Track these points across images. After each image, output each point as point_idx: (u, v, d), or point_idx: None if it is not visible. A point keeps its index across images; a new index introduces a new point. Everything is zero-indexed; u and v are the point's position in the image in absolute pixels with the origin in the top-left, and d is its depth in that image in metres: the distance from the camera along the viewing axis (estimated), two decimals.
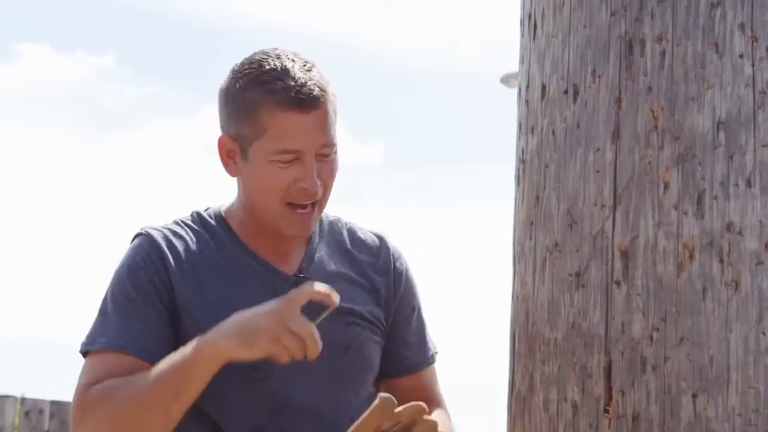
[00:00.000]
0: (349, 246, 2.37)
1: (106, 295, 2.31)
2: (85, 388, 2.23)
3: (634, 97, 2.05)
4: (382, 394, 2.01)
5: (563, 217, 2.11)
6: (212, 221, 2.34)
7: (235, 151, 2.26)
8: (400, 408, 2.00)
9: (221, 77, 2.30)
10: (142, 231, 2.33)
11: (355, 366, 2.33)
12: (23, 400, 9.28)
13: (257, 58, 2.25)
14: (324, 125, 2.21)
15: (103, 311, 2.29)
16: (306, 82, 2.19)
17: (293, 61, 2.22)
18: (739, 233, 1.95)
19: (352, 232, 2.39)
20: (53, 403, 9.73)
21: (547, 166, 2.16)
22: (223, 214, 2.35)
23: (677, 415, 1.94)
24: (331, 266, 2.33)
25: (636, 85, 2.05)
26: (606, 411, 2.00)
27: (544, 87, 2.19)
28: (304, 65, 2.23)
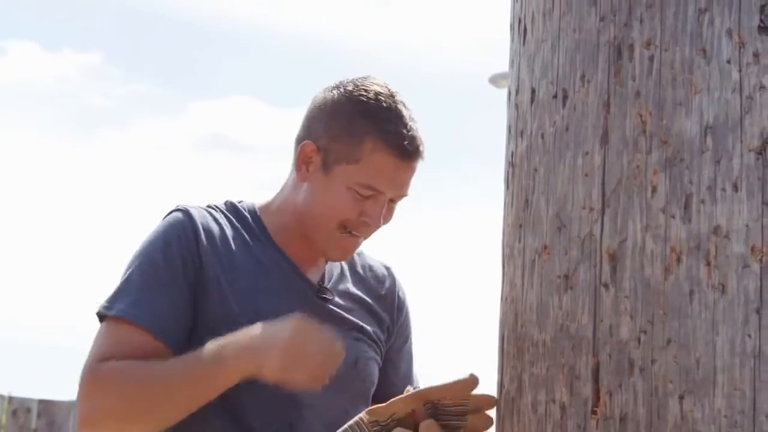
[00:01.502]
0: (359, 269, 2.44)
1: (134, 258, 2.30)
2: (97, 361, 2.22)
3: (622, 101, 2.07)
4: (472, 373, 2.05)
5: (552, 220, 2.13)
6: (246, 214, 2.38)
7: (314, 160, 2.30)
8: (476, 392, 2.05)
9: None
10: (181, 207, 2.36)
11: (361, 380, 2.38)
12: (11, 399, 9.27)
13: (373, 88, 2.31)
14: (411, 178, 2.30)
15: (128, 277, 2.29)
16: (415, 135, 2.28)
17: (404, 106, 2.31)
18: (726, 237, 1.97)
19: (362, 257, 2.47)
20: (41, 402, 9.74)
21: (536, 170, 2.18)
22: (258, 211, 2.39)
23: (664, 417, 1.96)
24: (346, 284, 2.40)
25: (624, 89, 2.07)
26: (594, 412, 2.02)
27: (533, 91, 2.21)
28: (411, 114, 2.30)
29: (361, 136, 2.26)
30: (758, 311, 1.94)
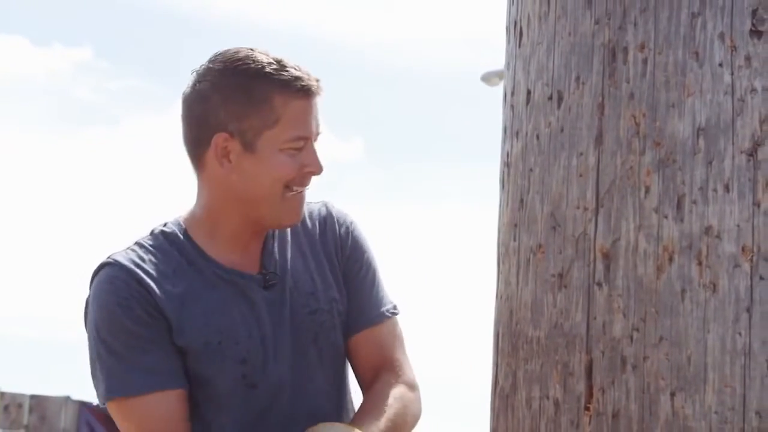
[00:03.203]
0: (298, 226, 2.40)
1: (99, 336, 2.27)
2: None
3: (616, 103, 2.11)
4: None
5: (547, 220, 2.17)
6: (175, 236, 2.35)
7: (230, 148, 2.28)
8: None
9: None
10: (111, 260, 2.30)
11: (325, 353, 2.38)
12: (2, 394, 9.28)
13: (241, 54, 2.29)
14: (317, 112, 2.31)
15: (110, 355, 2.26)
16: (305, 70, 2.28)
17: (275, 54, 2.30)
18: (717, 237, 2.01)
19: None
20: (32, 397, 9.74)
21: (531, 170, 2.21)
22: (183, 225, 2.37)
23: (656, 413, 2.00)
24: (288, 255, 2.37)
25: (618, 91, 2.11)
26: (587, 408, 2.06)
27: (529, 92, 2.25)
28: (284, 58, 2.31)
29: (267, 97, 2.24)
30: (748, 310, 1.98)
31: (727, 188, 2.02)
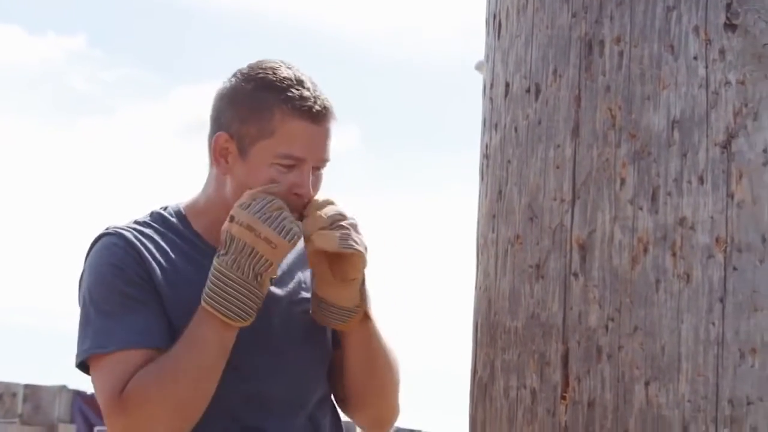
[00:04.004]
0: None
1: (90, 297, 2.29)
2: (116, 393, 2.23)
3: (592, 95, 2.13)
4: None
5: (524, 211, 2.19)
6: (174, 220, 2.38)
7: (230, 150, 2.32)
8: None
9: (230, 73, 2.36)
10: (110, 230, 2.34)
11: (317, 351, 2.42)
12: None
13: (269, 65, 2.33)
14: (327, 140, 2.33)
15: (98, 314, 2.26)
16: (319, 96, 2.30)
17: (302, 73, 2.33)
18: (692, 228, 2.04)
19: None
20: (27, 386, 9.76)
21: (509, 162, 2.24)
22: (184, 212, 2.40)
23: (630, 402, 2.03)
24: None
25: (595, 84, 2.13)
26: (563, 397, 2.09)
27: (507, 85, 2.27)
28: (312, 80, 2.33)
29: (269, 108, 2.27)
30: (722, 300, 2.00)
31: (701, 180, 2.05)
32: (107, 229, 2.36)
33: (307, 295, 2.41)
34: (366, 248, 2.31)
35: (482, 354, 2.25)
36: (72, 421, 9.60)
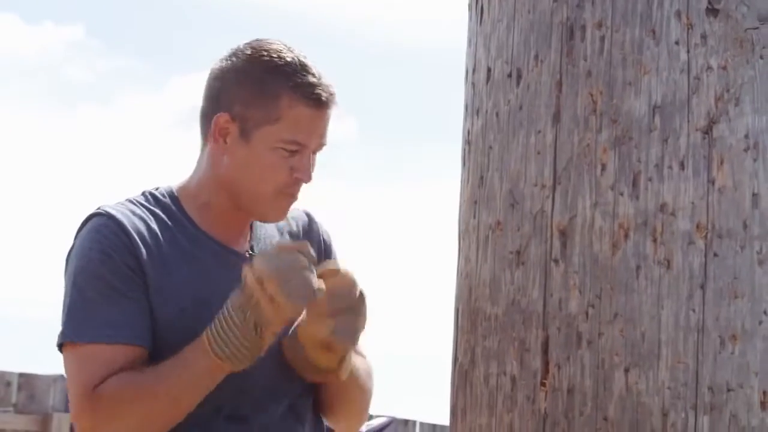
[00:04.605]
0: (282, 221, 2.44)
1: (75, 281, 2.25)
2: (89, 388, 2.21)
3: (574, 80, 2.12)
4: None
5: (505, 197, 2.18)
6: (167, 201, 2.37)
7: (230, 130, 2.31)
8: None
9: (223, 55, 2.34)
10: (102, 211, 2.32)
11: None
12: None
13: (273, 47, 2.32)
14: (327, 125, 2.32)
15: (80, 299, 2.25)
16: (325, 82, 2.30)
17: (305, 57, 2.32)
18: (672, 214, 2.02)
19: None
20: (21, 375, 9.76)
21: (491, 147, 2.22)
22: (176, 194, 2.39)
23: (610, 389, 2.02)
24: (275, 241, 2.41)
25: (576, 69, 2.12)
26: (543, 384, 2.08)
27: (489, 70, 2.25)
28: (315, 65, 2.32)
29: (276, 94, 2.27)
30: (702, 286, 1.99)
31: (682, 166, 2.03)
32: (99, 209, 2.34)
33: None
34: (357, 333, 2.29)
35: (463, 341, 2.24)
36: (67, 410, 9.59)
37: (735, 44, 2.04)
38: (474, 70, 2.31)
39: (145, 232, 2.31)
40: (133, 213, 2.33)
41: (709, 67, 2.04)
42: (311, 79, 2.29)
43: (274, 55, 2.31)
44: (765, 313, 1.97)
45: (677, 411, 1.97)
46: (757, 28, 2.04)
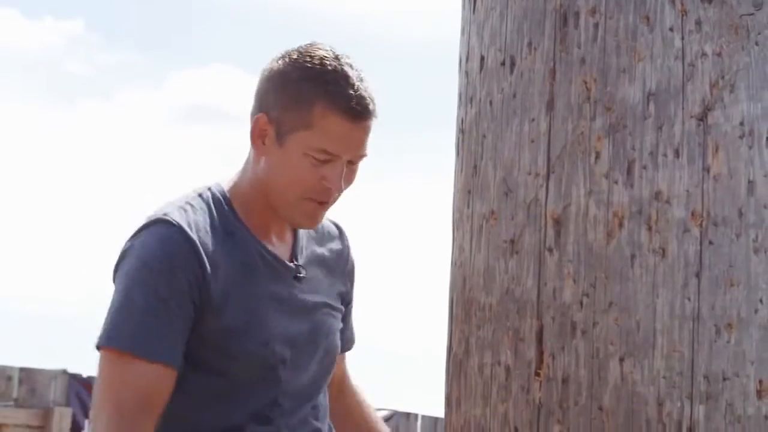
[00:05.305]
0: (318, 231, 2.45)
1: (129, 287, 2.26)
2: (122, 414, 2.22)
3: (567, 68, 2.10)
4: None
5: (499, 186, 2.16)
6: (223, 206, 2.36)
7: (268, 132, 2.31)
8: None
9: (270, 56, 2.35)
10: (168, 218, 2.29)
11: (331, 353, 2.42)
12: None
13: (318, 53, 2.31)
14: (366, 138, 2.30)
15: (131, 308, 2.24)
16: (363, 94, 2.28)
17: (351, 68, 2.30)
18: (667, 202, 2.01)
19: None
20: (22, 369, 9.75)
21: (484, 136, 2.21)
22: (228, 195, 2.38)
23: (605, 378, 2.00)
24: (314, 251, 2.42)
25: (570, 56, 2.10)
26: (537, 374, 2.06)
27: (482, 58, 2.24)
28: (360, 74, 2.31)
29: (310, 101, 2.28)
30: (697, 275, 1.98)
31: (677, 153, 2.02)
32: (164, 214, 2.31)
33: (330, 295, 2.41)
34: None
35: (457, 330, 2.23)
36: (68, 405, 9.58)
37: (730, 30, 2.02)
38: (467, 59, 2.29)
39: (210, 245, 2.28)
40: (197, 223, 2.30)
41: (704, 54, 2.02)
42: (348, 90, 2.27)
43: (317, 62, 2.30)
44: (761, 301, 1.95)
45: (672, 400, 1.96)
46: (752, 14, 2.02)
